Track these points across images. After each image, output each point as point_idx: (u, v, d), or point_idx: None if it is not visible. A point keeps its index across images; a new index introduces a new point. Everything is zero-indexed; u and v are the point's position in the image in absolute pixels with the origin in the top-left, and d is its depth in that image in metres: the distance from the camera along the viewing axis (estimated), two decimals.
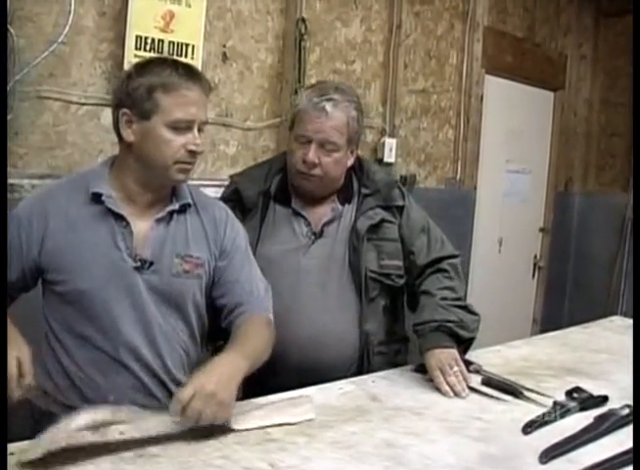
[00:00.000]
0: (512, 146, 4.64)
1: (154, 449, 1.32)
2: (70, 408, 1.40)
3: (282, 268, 1.95)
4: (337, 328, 1.95)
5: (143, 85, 1.55)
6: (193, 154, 1.59)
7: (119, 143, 1.63)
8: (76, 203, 1.61)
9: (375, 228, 1.98)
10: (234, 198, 2.01)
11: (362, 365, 1.97)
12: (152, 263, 1.61)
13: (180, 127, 1.56)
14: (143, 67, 1.60)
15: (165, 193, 1.67)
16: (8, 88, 2.26)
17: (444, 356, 1.81)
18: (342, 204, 2.01)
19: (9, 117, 2.30)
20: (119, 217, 1.60)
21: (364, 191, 2.02)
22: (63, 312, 1.62)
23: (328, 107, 1.89)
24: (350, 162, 2.01)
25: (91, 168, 1.73)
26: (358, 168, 2.07)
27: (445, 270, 2.01)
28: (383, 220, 1.99)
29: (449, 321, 1.88)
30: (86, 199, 1.60)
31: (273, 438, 1.42)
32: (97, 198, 1.59)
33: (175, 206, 1.66)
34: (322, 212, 2.00)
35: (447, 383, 1.75)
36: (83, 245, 1.58)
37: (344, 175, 2.03)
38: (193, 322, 1.72)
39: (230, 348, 1.55)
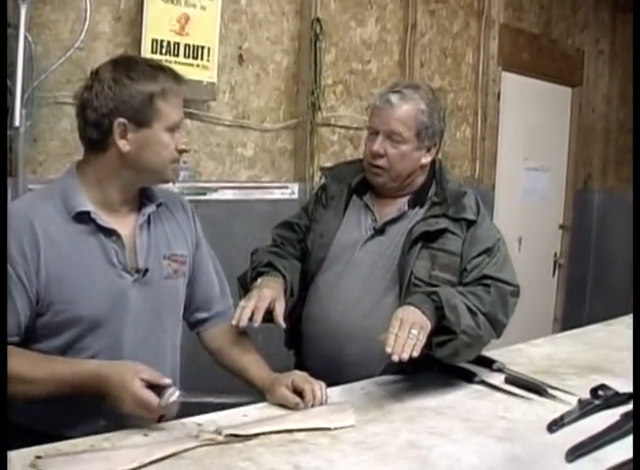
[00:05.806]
0: (530, 144, 4.61)
1: None
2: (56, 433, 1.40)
3: (339, 257, 1.96)
4: (366, 324, 1.86)
5: (142, 93, 1.48)
6: (183, 152, 1.58)
7: (98, 153, 1.53)
8: (56, 223, 1.49)
9: (434, 236, 1.88)
10: (321, 187, 2.12)
11: (390, 366, 1.88)
12: (147, 271, 1.56)
13: (174, 129, 1.54)
14: (131, 70, 1.50)
15: (138, 196, 1.61)
16: (26, 95, 2.27)
17: (414, 315, 1.64)
18: (413, 207, 1.96)
19: (27, 124, 2.31)
20: (110, 232, 1.52)
21: (434, 199, 1.96)
22: (46, 344, 1.49)
23: (393, 98, 1.89)
24: (425, 160, 1.95)
25: (56, 183, 1.59)
26: (439, 175, 2.01)
27: (487, 285, 1.83)
28: (446, 230, 1.89)
29: (448, 302, 1.70)
30: (66, 218, 1.49)
31: (296, 439, 1.42)
32: (82, 216, 1.50)
33: (152, 207, 1.61)
34: (389, 210, 1.98)
35: (396, 337, 1.58)
36: (77, 270, 1.48)
37: (425, 179, 1.99)
38: (180, 324, 1.71)
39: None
